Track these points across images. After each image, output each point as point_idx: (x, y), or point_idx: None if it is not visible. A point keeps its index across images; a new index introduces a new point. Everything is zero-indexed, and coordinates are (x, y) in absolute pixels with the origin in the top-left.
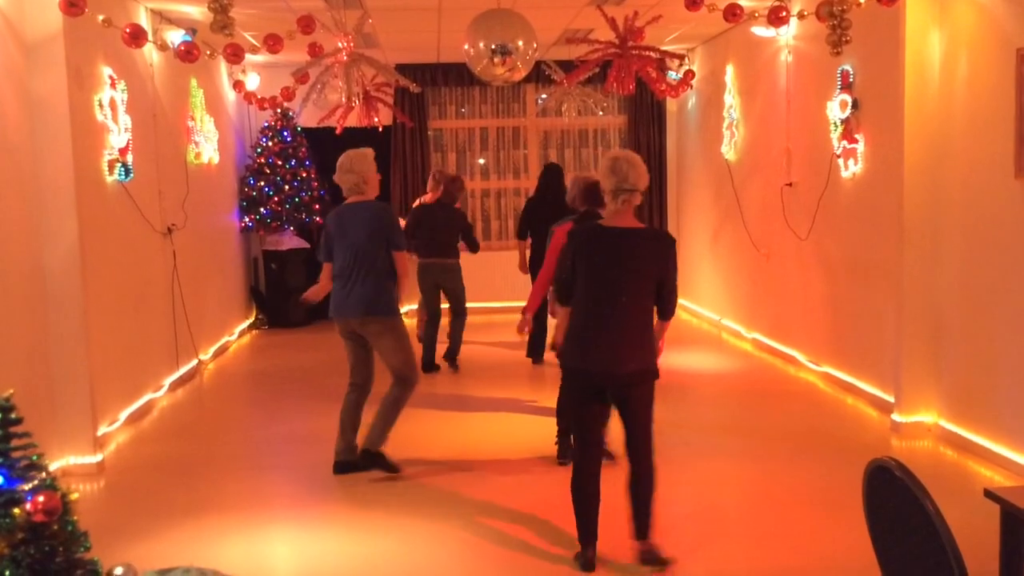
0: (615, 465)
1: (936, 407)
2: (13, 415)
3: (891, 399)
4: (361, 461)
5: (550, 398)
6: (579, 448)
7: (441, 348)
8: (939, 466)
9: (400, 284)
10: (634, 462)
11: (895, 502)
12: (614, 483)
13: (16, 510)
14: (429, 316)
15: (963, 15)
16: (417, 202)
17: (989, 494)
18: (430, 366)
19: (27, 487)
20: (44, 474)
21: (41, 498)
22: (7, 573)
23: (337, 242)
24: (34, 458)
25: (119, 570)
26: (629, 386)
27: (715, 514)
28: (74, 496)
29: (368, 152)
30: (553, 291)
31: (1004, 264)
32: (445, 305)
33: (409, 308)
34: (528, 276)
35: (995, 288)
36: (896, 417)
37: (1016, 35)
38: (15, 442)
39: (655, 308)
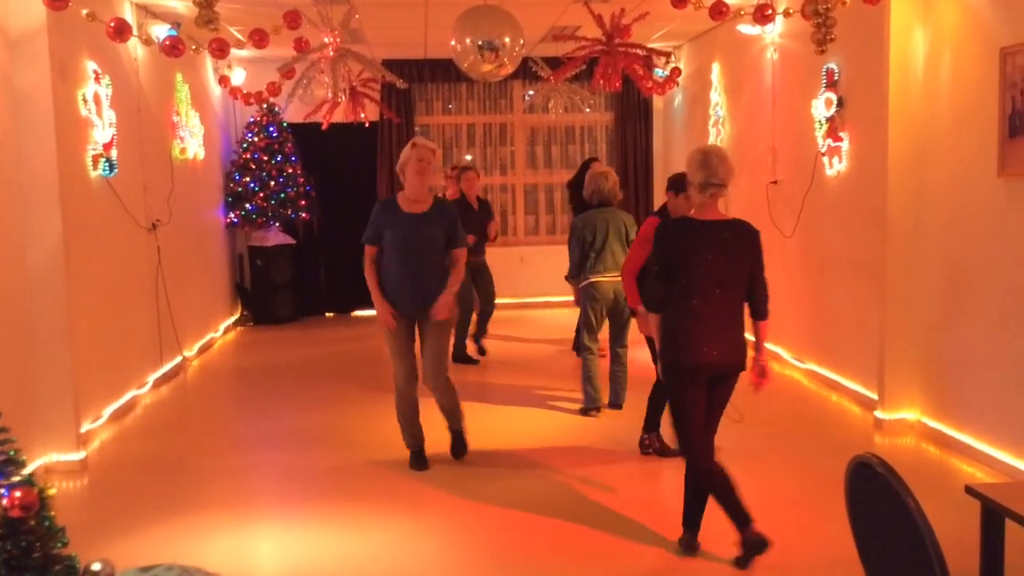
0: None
1: (919, 404)
2: None
3: (874, 396)
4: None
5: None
6: (686, 439)
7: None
8: (921, 463)
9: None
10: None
11: (877, 498)
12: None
13: None
14: (462, 309)
15: (947, 14)
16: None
17: (970, 490)
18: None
19: (4, 483)
20: (22, 470)
21: (18, 494)
22: None
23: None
24: (11, 453)
25: (96, 566)
26: (722, 377)
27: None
28: (51, 492)
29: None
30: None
31: (987, 262)
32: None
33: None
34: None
35: (978, 286)
36: (879, 414)
37: (999, 34)
38: None
39: (747, 306)
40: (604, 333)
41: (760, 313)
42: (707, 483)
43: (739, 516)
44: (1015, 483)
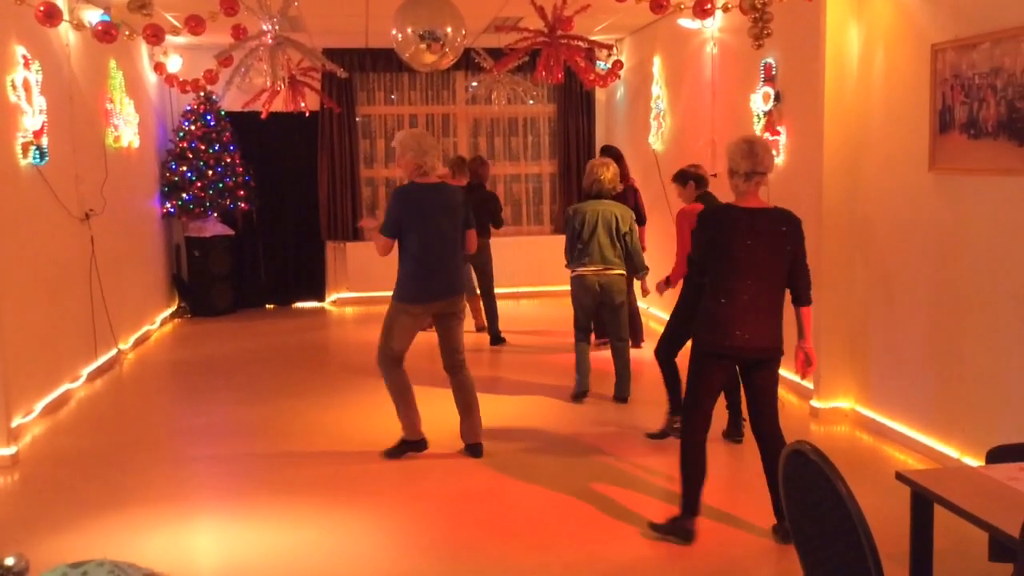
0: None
1: (853, 394)
2: None
3: (810, 386)
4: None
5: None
6: (688, 418)
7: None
8: (855, 450)
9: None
10: (765, 440)
11: (810, 485)
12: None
13: None
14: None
15: (880, 11)
16: None
17: (901, 477)
18: (497, 338)
19: None
20: None
21: None
22: None
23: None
24: None
25: (10, 560)
26: (761, 362)
27: (638, 499)
28: None
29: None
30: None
31: (918, 255)
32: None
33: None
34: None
35: (908, 278)
36: (815, 403)
37: (931, 31)
38: None
39: (788, 292)
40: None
41: (802, 299)
42: (684, 456)
43: (689, 503)
44: (943, 469)
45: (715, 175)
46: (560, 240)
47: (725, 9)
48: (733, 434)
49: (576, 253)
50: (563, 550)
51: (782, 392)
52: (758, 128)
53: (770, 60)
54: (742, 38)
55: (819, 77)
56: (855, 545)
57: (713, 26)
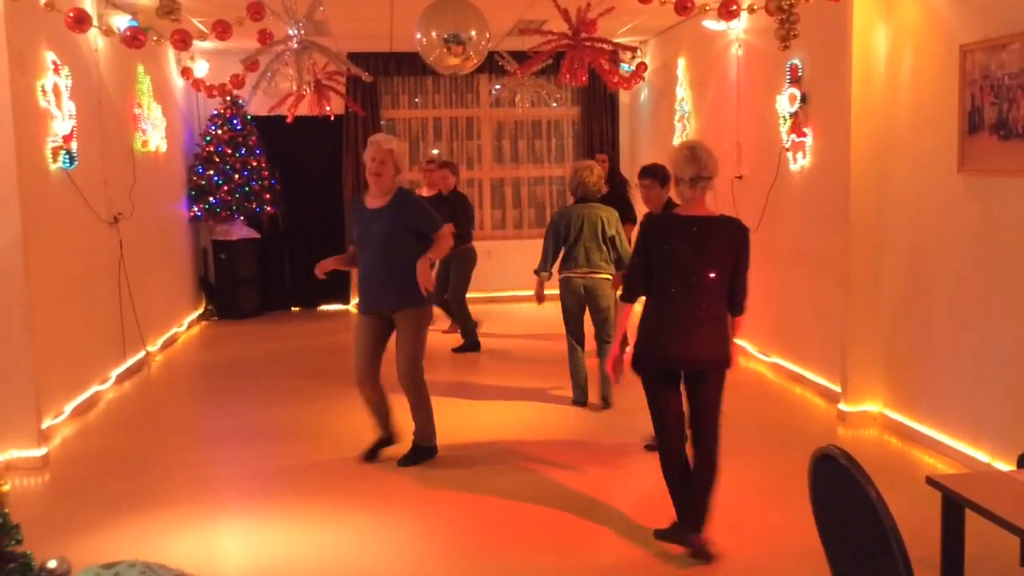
0: None
1: (881, 397)
2: None
3: (838, 389)
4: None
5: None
6: (659, 432)
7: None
8: (884, 454)
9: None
10: (697, 449)
11: (840, 490)
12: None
13: None
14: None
15: (908, 11)
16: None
17: (931, 481)
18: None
19: None
20: None
21: None
22: None
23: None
24: None
25: (53, 563)
26: (703, 373)
27: (666, 503)
28: (5, 488)
29: None
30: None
31: (947, 256)
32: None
33: None
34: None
35: (938, 280)
36: (843, 406)
37: (959, 32)
38: None
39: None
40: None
41: (737, 309)
42: (666, 475)
43: (689, 516)
44: (975, 473)
45: (740, 177)
46: None
47: (751, 10)
48: (653, 445)
49: (564, 257)
50: (588, 551)
51: (809, 395)
52: (784, 129)
53: (796, 61)
54: (768, 39)
55: (846, 78)
56: (885, 550)
57: (738, 27)
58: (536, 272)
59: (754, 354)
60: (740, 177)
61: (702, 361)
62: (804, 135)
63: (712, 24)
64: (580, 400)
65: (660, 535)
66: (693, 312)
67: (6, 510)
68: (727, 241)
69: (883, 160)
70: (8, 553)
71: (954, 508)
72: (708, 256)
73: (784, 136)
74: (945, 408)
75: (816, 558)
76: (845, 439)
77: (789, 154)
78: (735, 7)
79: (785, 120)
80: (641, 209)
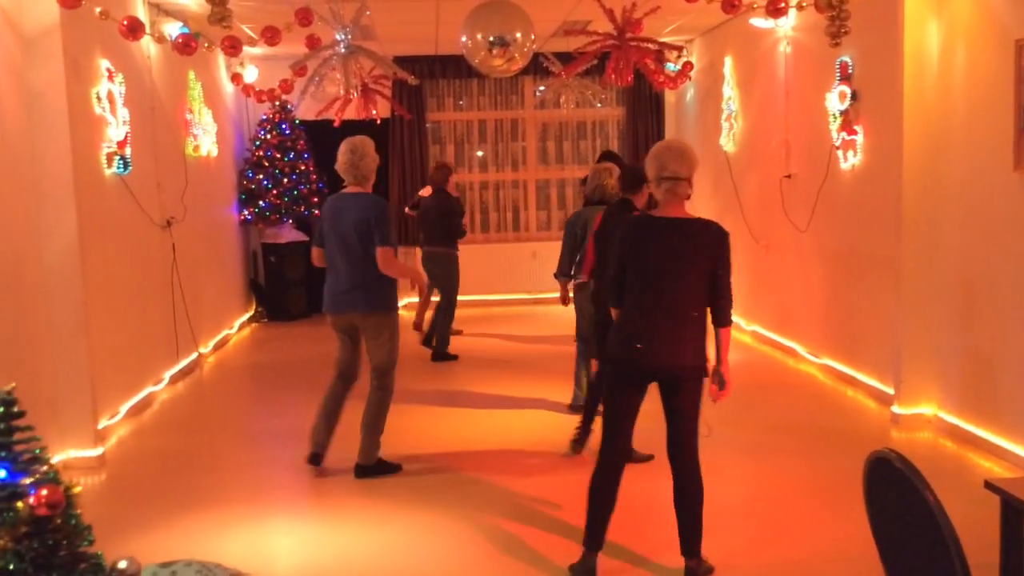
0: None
1: (936, 399)
2: (15, 408)
3: (891, 391)
4: (359, 475)
5: (555, 392)
6: (606, 441)
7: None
8: (939, 458)
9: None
10: (677, 467)
11: (896, 494)
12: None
13: (19, 504)
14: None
15: (961, 6)
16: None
17: (989, 485)
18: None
19: (29, 481)
20: (47, 468)
21: (44, 492)
22: (11, 566)
23: (327, 233)
24: (37, 452)
25: (123, 563)
26: (677, 380)
27: (714, 507)
28: (77, 490)
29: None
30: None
31: (1003, 255)
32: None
33: (408, 301)
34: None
35: (994, 279)
36: (896, 409)
37: (1014, 26)
38: (17, 435)
39: (709, 310)
40: None
41: (720, 320)
42: (593, 486)
43: (593, 538)
44: None
45: (789, 176)
46: None
47: (799, 8)
48: (575, 444)
49: (579, 261)
50: (638, 553)
51: (861, 397)
52: (834, 128)
53: (846, 58)
54: (816, 37)
55: (898, 75)
56: (943, 555)
57: (786, 25)
58: (555, 276)
59: (805, 356)
60: (789, 176)
61: (676, 368)
62: (855, 133)
63: (759, 22)
64: (578, 407)
65: (573, 569)
66: (665, 317)
67: (78, 511)
68: (702, 245)
69: (936, 158)
70: (80, 554)
71: (1013, 513)
72: (680, 259)
73: (834, 134)
74: (1002, 410)
75: (869, 562)
76: (898, 442)
77: (839, 152)
78: (783, 4)
79: (835, 118)
80: None
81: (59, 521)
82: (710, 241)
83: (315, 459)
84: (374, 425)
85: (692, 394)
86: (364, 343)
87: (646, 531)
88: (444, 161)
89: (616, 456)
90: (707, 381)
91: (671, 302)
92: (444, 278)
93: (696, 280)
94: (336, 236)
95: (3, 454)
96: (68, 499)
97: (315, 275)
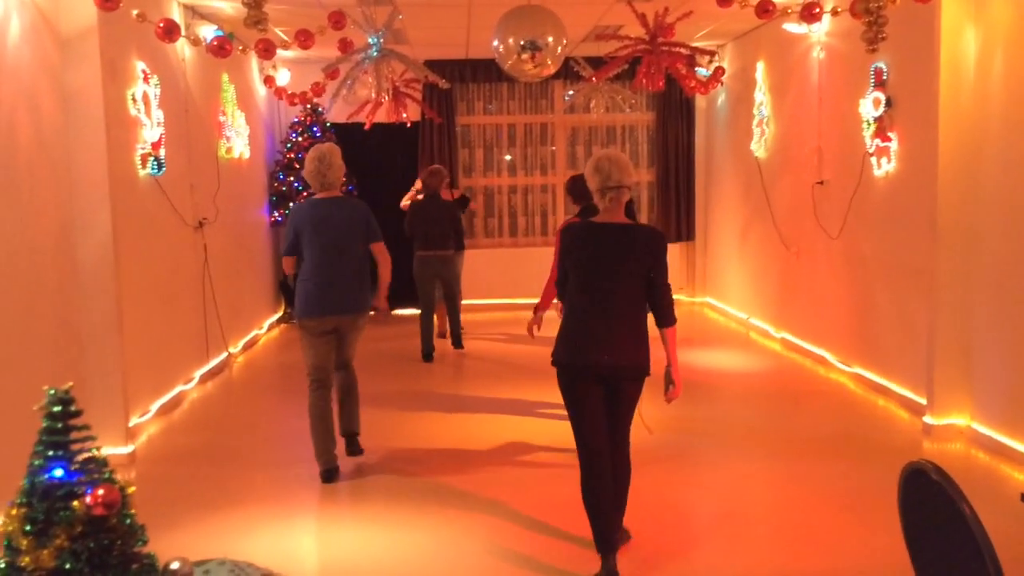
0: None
1: (969, 410)
2: (73, 407)
3: (923, 401)
4: (354, 445)
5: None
6: (582, 452)
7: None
8: (972, 469)
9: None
10: (616, 451)
11: (931, 505)
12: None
13: (75, 503)
14: (425, 307)
15: (999, 11)
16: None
17: None
18: (429, 356)
19: (86, 480)
20: (103, 468)
21: (101, 491)
22: (68, 565)
23: (312, 238)
24: (93, 451)
25: (175, 564)
26: (618, 380)
27: (744, 516)
28: (131, 489)
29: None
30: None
31: None
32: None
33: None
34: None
35: None
36: (928, 419)
37: None
38: (74, 435)
39: (651, 314)
40: None
41: (663, 320)
42: (586, 497)
43: (604, 543)
44: None
45: (821, 183)
46: None
47: (834, 13)
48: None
49: None
50: (663, 561)
51: (892, 407)
52: (868, 134)
53: (881, 64)
54: (851, 42)
55: (934, 81)
56: (980, 570)
57: (820, 30)
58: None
59: (835, 364)
60: (821, 183)
61: (617, 368)
62: (889, 140)
63: (793, 27)
64: None
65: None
66: (604, 319)
67: (132, 511)
68: (641, 248)
69: (973, 165)
70: (134, 554)
71: None
72: (620, 263)
73: (868, 141)
74: None
75: (899, 574)
76: (931, 453)
77: (873, 159)
78: (818, 10)
79: (869, 124)
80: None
81: (114, 521)
82: (650, 245)
83: (332, 474)
84: (358, 403)
85: (634, 393)
86: (340, 341)
87: (667, 530)
88: (439, 166)
89: (595, 456)
90: (650, 381)
91: (615, 304)
92: (455, 278)
93: (638, 283)
94: (324, 241)
95: (60, 453)
96: (123, 499)
97: None
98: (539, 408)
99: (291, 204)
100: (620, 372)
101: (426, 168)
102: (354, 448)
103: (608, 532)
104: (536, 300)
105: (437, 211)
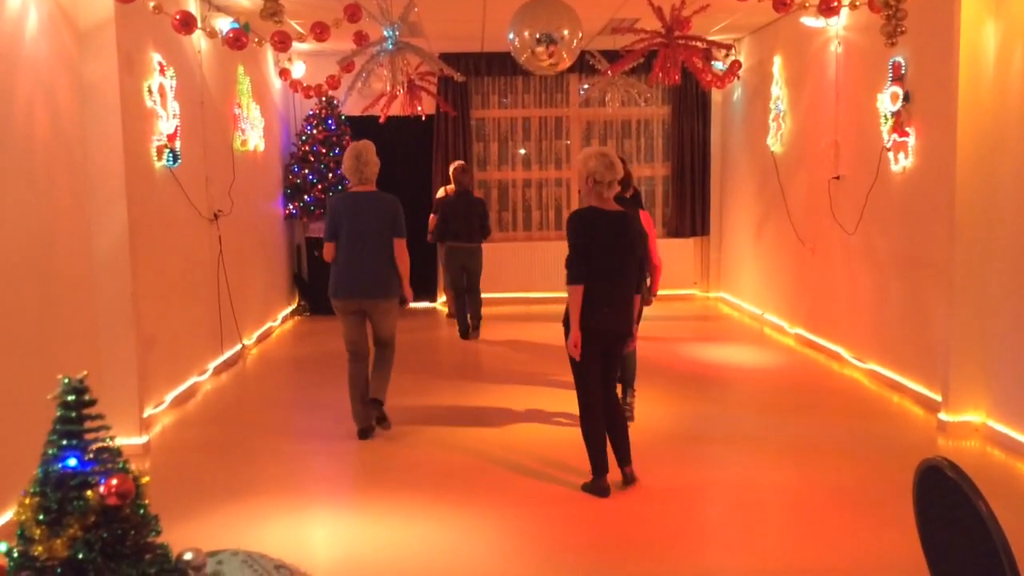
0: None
1: (985, 407)
2: (87, 397)
3: (938, 398)
4: (374, 410)
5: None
6: (585, 394)
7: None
8: (987, 467)
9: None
10: (608, 397)
11: (947, 503)
12: None
13: (89, 493)
14: (456, 293)
15: (1020, 5)
16: (442, 193)
17: None
18: (466, 334)
19: (100, 470)
20: (118, 457)
21: (115, 481)
22: (81, 555)
23: (346, 227)
24: (107, 441)
25: (188, 555)
26: (621, 340)
27: (755, 512)
28: (145, 479)
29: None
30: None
31: None
32: None
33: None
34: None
35: None
36: (943, 416)
37: None
38: (88, 424)
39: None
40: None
41: (645, 295)
42: (587, 428)
43: (599, 465)
44: None
45: (838, 178)
46: (672, 244)
47: (852, 7)
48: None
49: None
50: (674, 558)
51: (907, 403)
52: (885, 129)
53: (899, 59)
54: (869, 36)
55: (952, 76)
56: (996, 568)
57: (838, 24)
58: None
59: (850, 360)
60: (838, 178)
61: (622, 335)
62: (907, 135)
63: (810, 21)
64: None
65: (587, 487)
66: (619, 293)
67: (146, 501)
68: (635, 231)
69: (991, 161)
70: (147, 544)
71: None
72: (621, 244)
73: (885, 136)
74: None
75: (913, 571)
76: (945, 450)
77: (890, 154)
78: (836, 3)
79: (887, 119)
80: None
81: (128, 511)
82: (639, 228)
83: (366, 433)
84: (388, 377)
85: (621, 352)
86: (370, 322)
87: (678, 525)
88: (464, 163)
89: (593, 398)
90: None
91: (624, 281)
92: (479, 269)
93: (636, 260)
94: (355, 230)
95: (74, 442)
96: (138, 489)
97: None
98: (553, 402)
99: (305, 197)
100: (625, 337)
101: (458, 165)
102: (377, 415)
103: (624, 449)
104: (548, 294)
105: (468, 207)
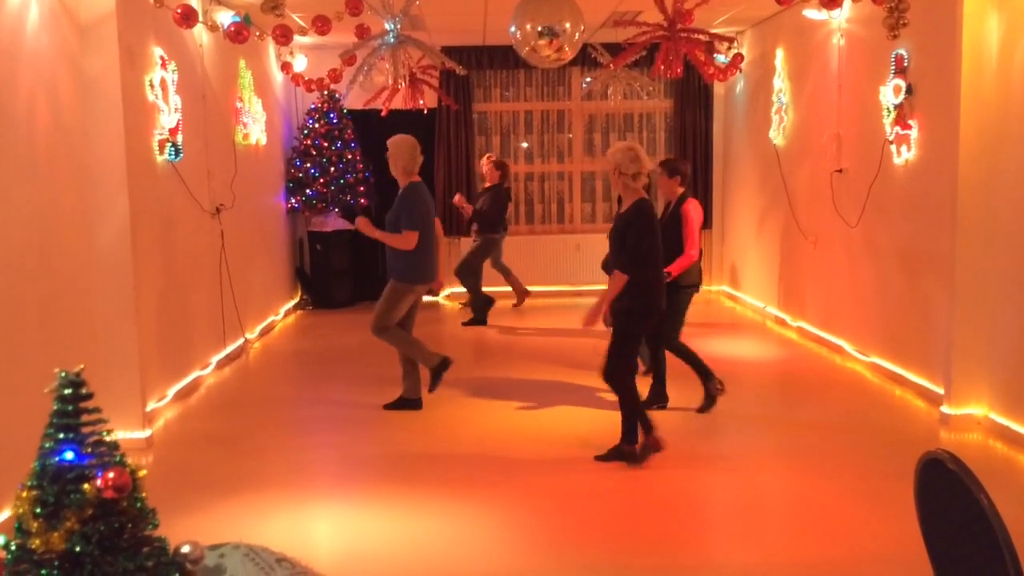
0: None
1: (987, 400)
2: (84, 390)
3: (940, 391)
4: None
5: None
6: (632, 364)
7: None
8: (989, 460)
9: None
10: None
11: (948, 496)
12: None
13: (86, 486)
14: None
15: None
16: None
17: None
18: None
19: (97, 463)
20: (114, 450)
21: (111, 474)
22: (78, 548)
23: (427, 217)
24: (104, 434)
25: (186, 548)
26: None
27: (759, 504)
28: (143, 473)
29: None
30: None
31: None
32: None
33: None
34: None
35: None
36: (945, 409)
37: None
38: (85, 417)
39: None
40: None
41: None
42: (630, 394)
43: (648, 424)
44: None
45: (840, 171)
46: None
47: None
48: (656, 400)
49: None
50: (679, 551)
51: (909, 396)
52: (888, 122)
53: (902, 51)
54: (871, 28)
55: (955, 69)
56: (996, 559)
57: (840, 17)
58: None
59: (852, 353)
60: (840, 171)
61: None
62: (909, 128)
63: (813, 13)
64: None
65: (640, 456)
66: (662, 276)
67: (143, 494)
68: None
69: (993, 154)
70: (144, 537)
71: None
72: (658, 233)
73: (888, 129)
74: None
75: (914, 563)
76: (948, 443)
77: (893, 147)
78: None
79: (889, 112)
80: None
81: (125, 504)
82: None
83: (447, 362)
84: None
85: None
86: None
87: (682, 518)
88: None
89: (634, 375)
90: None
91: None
92: (472, 256)
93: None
94: (431, 219)
95: (71, 436)
96: (135, 482)
97: (360, 263)
98: (559, 395)
99: (307, 191)
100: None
101: (498, 160)
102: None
103: (648, 416)
104: (549, 287)
105: (498, 199)
